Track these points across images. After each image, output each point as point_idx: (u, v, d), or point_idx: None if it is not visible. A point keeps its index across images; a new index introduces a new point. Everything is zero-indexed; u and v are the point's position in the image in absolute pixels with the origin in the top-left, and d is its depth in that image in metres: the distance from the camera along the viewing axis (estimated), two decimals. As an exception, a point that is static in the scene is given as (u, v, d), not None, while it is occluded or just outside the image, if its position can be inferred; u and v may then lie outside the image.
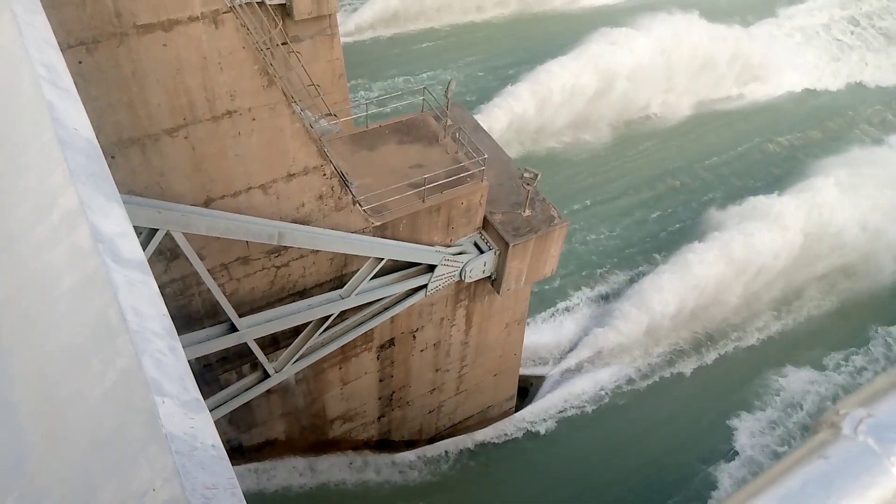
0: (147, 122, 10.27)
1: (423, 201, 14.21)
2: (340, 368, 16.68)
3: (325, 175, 12.64)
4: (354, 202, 13.45)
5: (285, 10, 19.81)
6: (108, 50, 9.51)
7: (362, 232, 13.75)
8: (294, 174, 12.24)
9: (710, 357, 25.10)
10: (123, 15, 9.37)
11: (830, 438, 3.38)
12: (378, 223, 13.85)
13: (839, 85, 38.57)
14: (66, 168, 2.74)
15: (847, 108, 37.11)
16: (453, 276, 15.71)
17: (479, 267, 15.79)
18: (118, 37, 9.48)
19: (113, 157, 10.03)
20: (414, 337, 17.34)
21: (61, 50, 4.11)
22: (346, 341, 15.31)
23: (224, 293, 12.40)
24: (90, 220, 2.56)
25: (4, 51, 3.35)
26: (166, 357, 2.34)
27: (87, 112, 3.59)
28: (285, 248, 13.01)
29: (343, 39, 30.01)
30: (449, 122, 15.66)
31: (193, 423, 2.28)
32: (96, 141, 3.17)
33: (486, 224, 15.72)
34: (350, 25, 37.08)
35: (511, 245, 15.16)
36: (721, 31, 36.08)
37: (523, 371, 22.61)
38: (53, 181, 2.77)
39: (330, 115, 14.49)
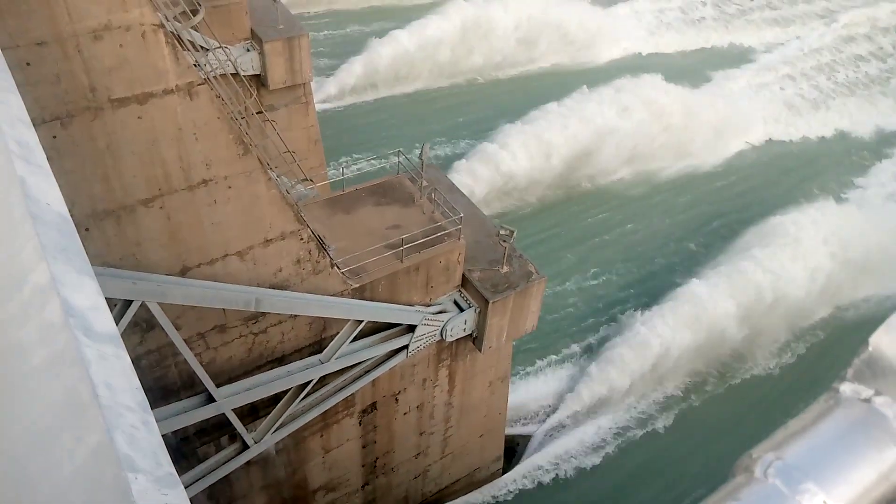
0: (122, 194, 10.28)
1: (402, 261, 14.25)
2: (322, 436, 16.30)
3: (302, 239, 12.67)
4: (332, 265, 13.45)
5: (260, 81, 20.27)
6: (83, 124, 9.60)
7: (341, 294, 13.70)
8: (271, 240, 12.25)
9: (701, 403, 24.98)
10: (98, 90, 9.51)
11: (744, 482, 3.69)
12: (357, 285, 13.82)
13: (805, 134, 39.85)
14: (38, 243, 2.74)
15: (815, 157, 38.30)
16: (434, 335, 15.63)
17: (460, 325, 15.75)
18: (93, 111, 9.59)
19: (87, 230, 9.98)
20: (396, 400, 17.08)
21: (36, 125, 4.16)
22: (327, 407, 15.02)
23: (201, 363, 12.18)
24: (61, 295, 2.55)
25: (-23, 129, 3.38)
26: (139, 431, 2.30)
27: (61, 186, 3.61)
28: (263, 314, 12.89)
29: (319, 106, 30.70)
30: (424, 183, 15.88)
31: (167, 499, 2.22)
32: (69, 215, 3.18)
33: (465, 282, 15.76)
34: (326, 92, 37.88)
35: (491, 302, 15.18)
36: (681, 91, 37.23)
37: (509, 431, 22.28)
38: (24, 257, 2.77)
39: (306, 180, 14.65)
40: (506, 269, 15.76)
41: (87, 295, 2.68)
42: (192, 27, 13.89)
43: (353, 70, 38.42)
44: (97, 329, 2.54)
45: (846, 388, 3.95)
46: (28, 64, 8.90)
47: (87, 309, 2.61)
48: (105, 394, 2.28)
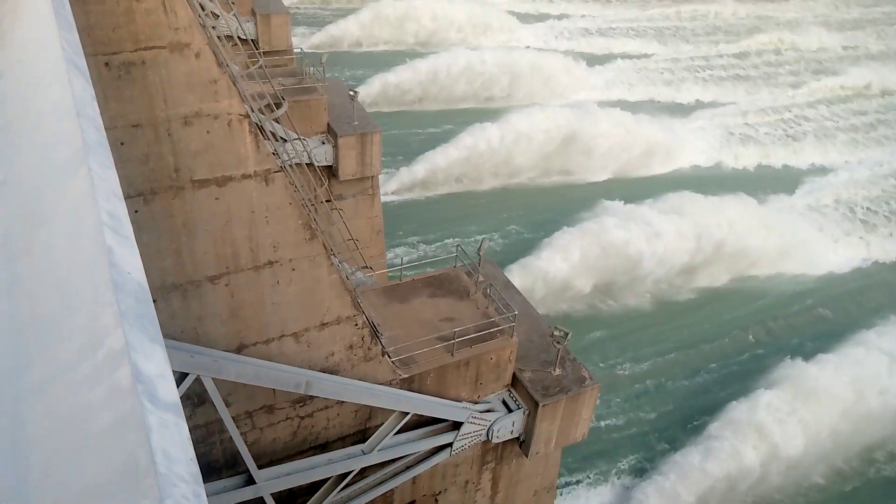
0: (191, 269, 10.72)
1: (452, 355, 14.15)
2: (357, 531, 15.78)
3: (356, 325, 12.80)
4: (384, 353, 13.47)
5: (331, 171, 21.20)
6: (164, 201, 10.20)
7: (389, 384, 13.62)
8: (327, 323, 12.43)
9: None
10: (182, 170, 10.15)
11: None
12: (405, 375, 13.74)
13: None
14: (117, 309, 2.88)
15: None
16: (480, 435, 15.21)
17: (508, 427, 15.31)
18: (174, 190, 10.19)
19: (155, 301, 10.36)
20: (436, 500, 16.48)
21: (122, 200, 4.47)
22: (365, 501, 14.60)
23: (246, 442, 12.16)
24: (133, 361, 2.64)
25: (77, 200, 3.65)
26: (189, 503, 2.31)
27: (137, 258, 3.83)
28: (311, 397, 12.89)
29: (384, 198, 31.78)
30: (480, 278, 15.97)
31: (207, 578, 2.19)
32: (147, 285, 3.34)
33: (515, 381, 15.46)
34: (392, 185, 39.30)
35: (541, 405, 14.78)
36: (744, 205, 36.88)
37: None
38: (103, 321, 2.90)
39: (366, 267, 14.96)
40: (558, 371, 15.41)
41: (156, 363, 2.78)
42: (274, 119, 14.81)
43: (420, 167, 39.91)
44: (161, 397, 2.62)
45: None
46: (122, 144, 9.63)
47: (154, 376, 2.70)
48: (162, 462, 2.32)
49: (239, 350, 11.70)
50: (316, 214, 12.66)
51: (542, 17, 71.21)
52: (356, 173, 21.49)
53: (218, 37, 10.54)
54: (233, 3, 17.73)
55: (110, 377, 2.59)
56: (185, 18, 9.32)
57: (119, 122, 9.49)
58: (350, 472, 13.71)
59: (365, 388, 13.08)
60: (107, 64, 9.11)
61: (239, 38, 13.57)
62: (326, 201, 13.53)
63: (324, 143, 21.36)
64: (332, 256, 12.14)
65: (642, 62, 60.73)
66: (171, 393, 2.63)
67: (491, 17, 64.71)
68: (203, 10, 10.90)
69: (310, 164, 13.28)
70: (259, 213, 10.78)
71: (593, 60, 60.50)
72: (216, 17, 14.90)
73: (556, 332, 14.95)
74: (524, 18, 69.20)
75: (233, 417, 11.79)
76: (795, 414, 24.80)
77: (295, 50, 28.54)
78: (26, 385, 3.02)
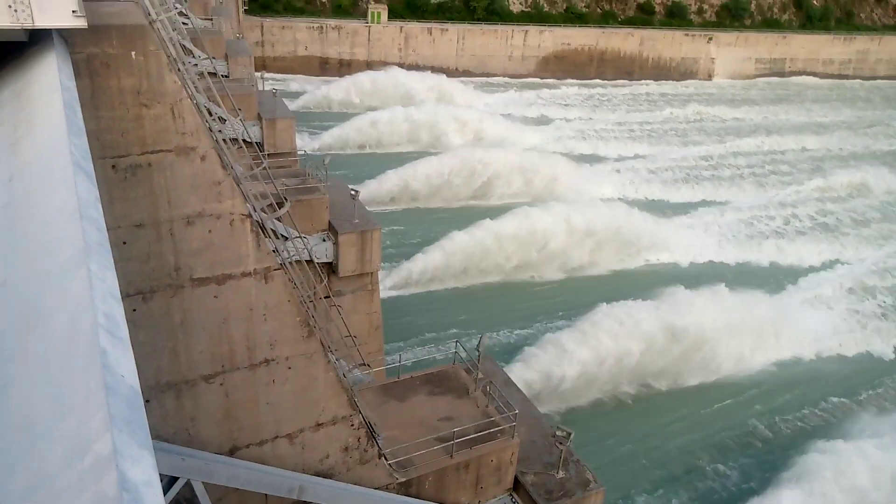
0: (186, 368, 10.59)
1: (451, 457, 13.73)
2: None
3: (353, 426, 12.50)
4: (380, 455, 13.07)
5: (331, 268, 21.36)
6: (163, 300, 10.22)
7: (386, 488, 13.13)
8: (322, 424, 12.14)
9: None
10: (182, 269, 10.23)
11: None
12: (402, 479, 13.27)
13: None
14: (107, 414, 2.84)
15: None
16: (481, 543, 14.52)
17: (510, 534, 14.64)
18: (174, 288, 10.24)
19: (148, 401, 10.18)
20: None
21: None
22: None
23: (235, 552, 11.59)
24: (120, 468, 2.59)
25: (75, 301, 3.68)
26: None
27: (131, 357, 3.80)
28: (304, 503, 12.40)
29: (384, 294, 31.84)
30: (480, 376, 15.73)
31: None
32: (139, 389, 3.32)
33: (517, 485, 14.90)
34: (391, 281, 39.48)
35: (544, 510, 14.19)
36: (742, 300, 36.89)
37: None
38: (92, 426, 2.86)
39: (364, 364, 14.77)
40: (561, 474, 14.89)
41: (143, 470, 2.72)
42: (276, 218, 15.07)
43: (419, 262, 40.30)
44: (147, 507, 2.55)
45: None
46: (124, 243, 9.77)
47: (141, 484, 2.63)
48: (144, 578, 2.22)
49: (231, 452, 11.36)
50: (314, 311, 12.66)
51: (541, 121, 74.40)
52: (356, 269, 21.64)
53: (224, 140, 10.91)
54: (239, 109, 18.46)
55: (96, 485, 2.52)
56: (192, 123, 9.70)
57: (123, 221, 9.67)
58: (344, 585, 12.98)
59: (360, 494, 12.61)
60: (114, 166, 9.39)
61: (244, 140, 14.05)
62: (325, 297, 13.55)
63: (324, 240, 21.62)
64: (329, 353, 12.03)
65: (636, 163, 62.67)
66: (157, 502, 2.55)
67: (492, 121, 67.42)
68: (210, 114, 11.33)
69: (310, 261, 13.40)
70: (257, 310, 10.78)
71: (590, 160, 62.46)
72: (223, 121, 15.49)
73: (558, 433, 14.56)
74: (526, 121, 72.28)
75: (222, 525, 11.30)
76: None
77: (299, 152, 29.46)
78: (10, 492, 2.93)
